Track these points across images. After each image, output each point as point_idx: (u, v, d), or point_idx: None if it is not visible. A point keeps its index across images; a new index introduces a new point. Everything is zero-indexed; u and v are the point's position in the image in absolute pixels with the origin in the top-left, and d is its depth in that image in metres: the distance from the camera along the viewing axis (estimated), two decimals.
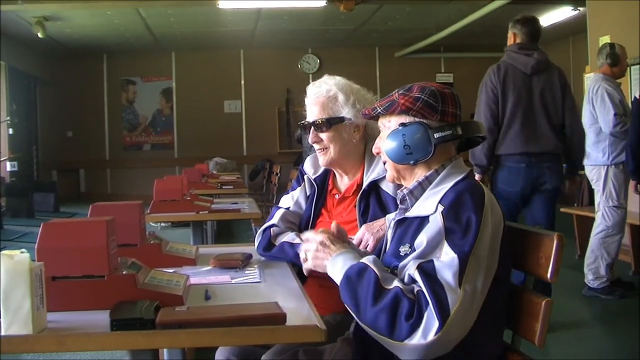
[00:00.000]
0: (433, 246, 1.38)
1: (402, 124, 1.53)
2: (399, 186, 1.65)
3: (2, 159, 9.14)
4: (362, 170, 2.07)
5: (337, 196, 2.11)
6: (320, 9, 8.48)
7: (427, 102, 1.51)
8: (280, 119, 11.96)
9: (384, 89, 10.95)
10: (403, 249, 1.47)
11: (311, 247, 1.58)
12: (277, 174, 6.67)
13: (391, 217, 1.67)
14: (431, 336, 1.28)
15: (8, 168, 9.50)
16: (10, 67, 9.84)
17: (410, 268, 1.38)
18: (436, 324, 1.28)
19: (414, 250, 1.42)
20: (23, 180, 9.97)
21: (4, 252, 1.26)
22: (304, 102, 2.12)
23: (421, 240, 1.40)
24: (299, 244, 1.79)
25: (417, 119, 1.52)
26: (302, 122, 2.12)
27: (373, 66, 12.15)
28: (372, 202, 1.99)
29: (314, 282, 1.91)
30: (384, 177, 1.84)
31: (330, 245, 1.55)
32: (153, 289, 1.44)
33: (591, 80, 4.61)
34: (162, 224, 7.61)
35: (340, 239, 1.63)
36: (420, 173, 1.55)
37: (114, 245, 1.50)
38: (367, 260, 1.44)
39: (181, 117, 11.99)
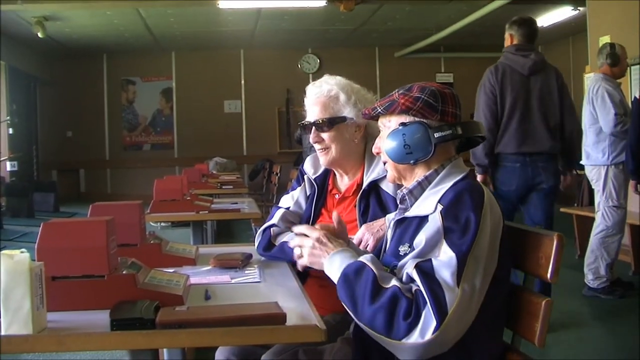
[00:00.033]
0: (432, 245, 1.38)
1: (402, 124, 1.53)
2: (399, 186, 1.65)
3: (2, 159, 9.15)
4: (362, 170, 2.06)
5: (337, 196, 2.11)
6: (320, 8, 8.48)
7: (427, 101, 1.51)
8: (280, 118, 11.96)
9: (384, 88, 10.95)
10: (402, 249, 1.47)
11: (307, 243, 1.56)
12: (277, 173, 6.67)
13: (391, 217, 1.67)
14: (429, 335, 1.28)
15: (8, 168, 9.51)
16: (10, 67, 9.84)
17: (409, 267, 1.38)
18: (434, 322, 1.28)
19: (413, 249, 1.42)
20: (23, 180, 9.97)
21: (4, 252, 1.26)
22: (303, 102, 2.12)
23: (420, 240, 1.41)
24: None
25: (417, 119, 1.52)
26: (303, 122, 2.12)
27: (373, 66, 12.15)
28: (372, 202, 1.99)
29: (314, 282, 1.91)
30: (384, 177, 1.84)
31: (327, 242, 1.54)
32: (153, 289, 1.44)
33: (591, 80, 4.61)
34: (162, 224, 7.61)
35: (341, 231, 1.63)
36: (420, 173, 1.55)
37: (114, 245, 1.50)
38: (365, 258, 1.44)
39: (181, 117, 11.99)
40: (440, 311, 1.29)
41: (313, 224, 2.09)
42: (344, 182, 2.14)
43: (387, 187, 1.96)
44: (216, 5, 7.93)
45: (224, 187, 5.75)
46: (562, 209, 5.88)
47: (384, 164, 1.63)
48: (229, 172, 8.68)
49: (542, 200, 3.77)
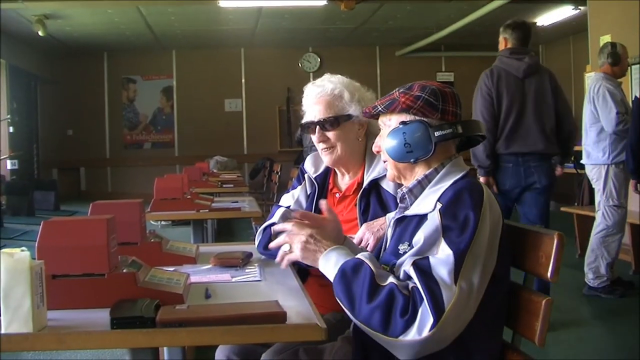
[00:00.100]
0: (430, 243, 1.38)
1: (403, 123, 1.53)
2: (399, 185, 1.65)
3: (2, 157, 9.15)
4: (363, 169, 2.06)
5: (337, 195, 2.12)
6: (321, 7, 8.47)
7: (428, 100, 1.51)
8: (280, 117, 11.95)
9: (384, 87, 10.96)
10: (402, 247, 1.47)
11: (299, 239, 1.56)
12: (277, 172, 6.68)
13: (391, 216, 1.67)
14: (426, 332, 1.28)
15: (8, 166, 9.50)
16: (11, 66, 9.84)
17: (406, 265, 1.38)
18: (431, 320, 1.28)
19: (413, 247, 1.42)
20: (23, 179, 9.97)
21: (4, 250, 1.26)
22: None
23: (419, 238, 1.41)
24: None
25: (417, 118, 1.52)
26: (306, 121, 2.10)
27: (374, 65, 12.14)
28: (373, 200, 1.99)
29: (314, 281, 1.91)
30: (385, 175, 1.84)
31: (321, 239, 1.54)
32: (153, 288, 1.45)
33: (592, 79, 4.61)
34: (163, 223, 7.62)
35: (332, 220, 1.65)
36: (420, 172, 1.55)
37: (114, 243, 1.50)
38: (363, 256, 1.44)
39: (182, 115, 11.99)
40: (437, 308, 1.29)
41: None
42: (344, 181, 2.14)
43: (387, 186, 1.96)
44: (217, 4, 7.93)
45: (224, 185, 5.74)
46: (562, 209, 5.89)
47: (384, 162, 1.63)
48: (230, 170, 8.67)
49: (536, 199, 3.83)
